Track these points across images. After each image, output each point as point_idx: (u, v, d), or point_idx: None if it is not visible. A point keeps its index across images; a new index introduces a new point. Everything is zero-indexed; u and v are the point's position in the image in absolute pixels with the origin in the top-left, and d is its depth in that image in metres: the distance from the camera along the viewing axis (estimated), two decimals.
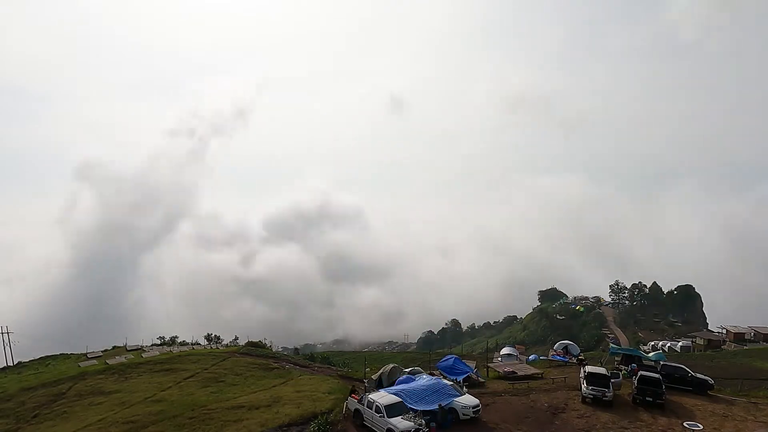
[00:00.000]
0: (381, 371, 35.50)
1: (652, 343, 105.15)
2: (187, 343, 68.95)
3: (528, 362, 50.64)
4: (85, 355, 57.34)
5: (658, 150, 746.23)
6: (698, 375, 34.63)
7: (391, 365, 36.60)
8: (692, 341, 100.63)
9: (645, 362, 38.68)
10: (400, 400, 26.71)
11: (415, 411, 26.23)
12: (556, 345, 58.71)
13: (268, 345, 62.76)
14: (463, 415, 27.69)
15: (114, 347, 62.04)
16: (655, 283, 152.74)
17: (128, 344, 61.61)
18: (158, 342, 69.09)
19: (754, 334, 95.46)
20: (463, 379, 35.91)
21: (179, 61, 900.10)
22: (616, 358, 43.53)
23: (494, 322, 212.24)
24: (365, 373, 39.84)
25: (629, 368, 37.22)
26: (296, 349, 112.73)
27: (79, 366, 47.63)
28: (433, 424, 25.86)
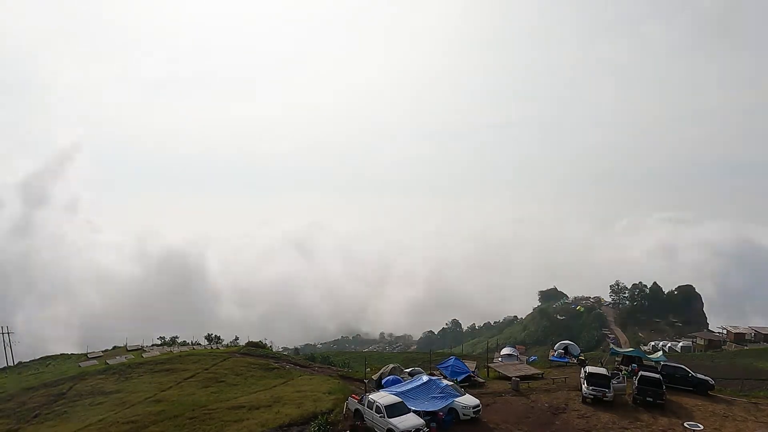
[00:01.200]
0: (381, 371, 35.53)
1: (653, 343, 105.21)
2: (188, 343, 69.03)
3: (528, 362, 50.61)
4: (85, 355, 57.42)
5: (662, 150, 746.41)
6: (699, 375, 34.55)
7: (392, 365, 36.64)
8: (693, 341, 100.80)
9: (645, 362, 38.69)
10: (401, 400, 26.69)
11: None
12: (556, 345, 58.65)
13: (269, 345, 62.80)
14: (463, 415, 27.65)
15: (114, 347, 62.12)
16: (655, 283, 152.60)
17: (128, 344, 61.64)
18: (158, 342, 69.15)
19: (755, 335, 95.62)
20: (463, 379, 35.91)
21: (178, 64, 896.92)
22: (617, 358, 43.55)
23: (494, 322, 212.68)
24: (365, 373, 39.84)
25: (630, 368, 37.22)
26: (296, 348, 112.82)
27: (80, 366, 47.71)
28: (433, 424, 25.85)
